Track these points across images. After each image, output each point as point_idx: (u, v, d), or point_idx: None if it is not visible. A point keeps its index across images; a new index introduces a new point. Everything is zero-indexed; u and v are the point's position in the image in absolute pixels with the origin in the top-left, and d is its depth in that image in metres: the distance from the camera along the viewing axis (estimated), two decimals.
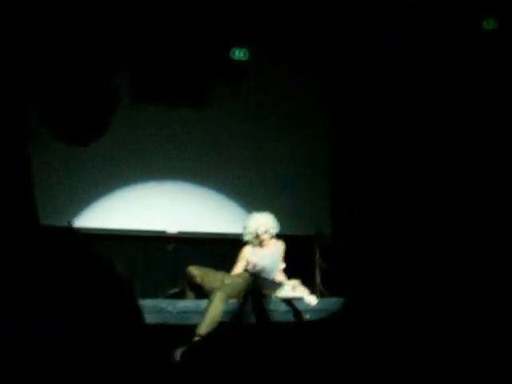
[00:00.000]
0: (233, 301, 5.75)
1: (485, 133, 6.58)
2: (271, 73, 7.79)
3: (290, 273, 6.31)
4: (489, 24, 6.74)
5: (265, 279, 6.05)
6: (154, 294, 6.33)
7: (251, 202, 7.72)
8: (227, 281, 5.91)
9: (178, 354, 5.29)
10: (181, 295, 6.16)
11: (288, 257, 6.35)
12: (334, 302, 5.83)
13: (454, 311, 1.42)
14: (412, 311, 1.47)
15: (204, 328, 5.31)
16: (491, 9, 6.68)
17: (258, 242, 6.24)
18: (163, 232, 7.44)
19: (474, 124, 6.66)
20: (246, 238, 6.31)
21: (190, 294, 6.01)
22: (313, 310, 5.82)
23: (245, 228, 6.34)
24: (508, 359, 1.35)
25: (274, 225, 6.33)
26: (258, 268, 6.05)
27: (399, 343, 1.44)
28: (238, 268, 6.17)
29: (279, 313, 5.79)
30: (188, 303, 5.82)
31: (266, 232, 6.27)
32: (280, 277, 6.19)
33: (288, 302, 5.92)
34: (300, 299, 5.95)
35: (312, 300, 5.95)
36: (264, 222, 6.31)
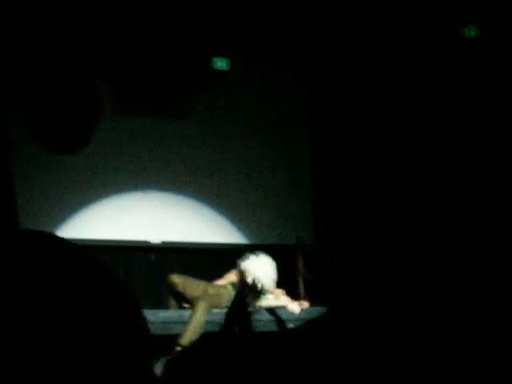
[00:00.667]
0: (216, 311, 5.74)
1: (483, 134, 6.59)
2: (252, 82, 7.80)
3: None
4: (470, 32, 6.79)
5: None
6: None
7: (234, 212, 7.73)
8: (210, 291, 5.89)
9: (160, 364, 5.23)
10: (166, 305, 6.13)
11: None
12: (317, 311, 5.82)
13: (449, 318, 1.42)
14: (402, 317, 1.46)
15: (187, 338, 5.28)
16: (472, 16, 6.72)
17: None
18: (146, 242, 7.42)
19: (471, 126, 6.67)
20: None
21: (172, 302, 5.98)
22: (296, 319, 5.80)
23: (243, 268, 6.02)
24: (508, 359, 1.35)
25: (271, 276, 6.00)
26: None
27: (387, 350, 1.44)
28: (224, 280, 6.13)
29: (263, 322, 5.77)
30: (170, 313, 5.79)
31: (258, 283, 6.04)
32: None
33: (271, 311, 5.90)
34: (283, 308, 5.93)
35: (295, 308, 5.93)
36: (261, 275, 5.99)
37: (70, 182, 7.20)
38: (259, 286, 5.90)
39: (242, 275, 5.97)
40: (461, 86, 6.68)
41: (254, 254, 6.02)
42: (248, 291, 5.91)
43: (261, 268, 5.97)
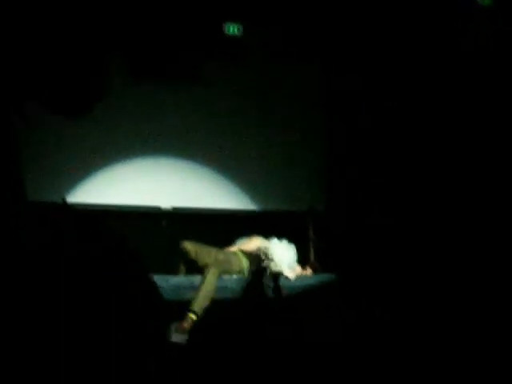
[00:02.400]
0: (227, 277, 5.77)
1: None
2: (266, 48, 7.76)
3: None
4: (484, 0, 6.72)
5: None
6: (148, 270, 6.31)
7: (245, 178, 7.74)
8: (221, 257, 5.93)
9: (171, 328, 5.29)
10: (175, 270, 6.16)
11: (281, 233, 6.35)
12: (324, 278, 5.86)
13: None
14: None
15: (197, 304, 5.32)
16: None
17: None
18: (158, 208, 7.45)
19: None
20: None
21: (182, 269, 6.02)
22: (307, 285, 5.83)
23: (263, 250, 6.07)
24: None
25: (289, 263, 6.05)
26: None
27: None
28: (236, 247, 6.16)
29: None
30: (181, 279, 5.82)
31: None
32: None
33: (274, 277, 5.92)
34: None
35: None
36: (284, 262, 6.04)
37: (80, 148, 7.22)
38: (275, 270, 5.97)
39: (260, 256, 6.03)
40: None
41: (278, 238, 6.13)
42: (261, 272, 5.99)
43: (281, 255, 6.05)
